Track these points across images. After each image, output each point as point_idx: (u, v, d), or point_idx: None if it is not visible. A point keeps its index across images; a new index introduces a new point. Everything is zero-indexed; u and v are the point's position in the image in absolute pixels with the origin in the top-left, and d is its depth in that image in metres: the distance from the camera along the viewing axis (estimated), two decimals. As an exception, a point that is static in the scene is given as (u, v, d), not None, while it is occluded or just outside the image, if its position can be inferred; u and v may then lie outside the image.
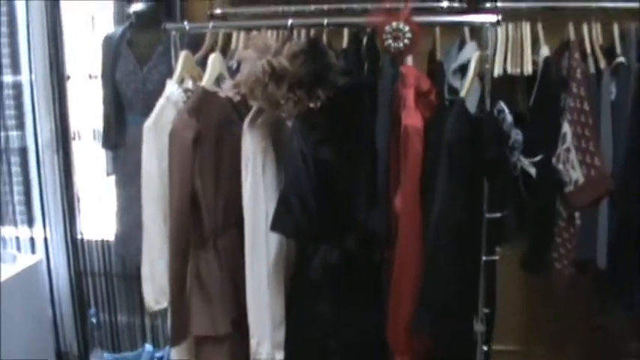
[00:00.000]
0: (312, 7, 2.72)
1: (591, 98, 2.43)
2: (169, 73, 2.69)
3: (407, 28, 1.93)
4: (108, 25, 3.18)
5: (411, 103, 1.88)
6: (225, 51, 2.68)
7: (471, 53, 2.48)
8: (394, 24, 1.93)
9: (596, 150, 2.42)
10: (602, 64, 2.46)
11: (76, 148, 3.36)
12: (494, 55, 2.55)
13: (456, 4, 2.60)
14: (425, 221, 1.91)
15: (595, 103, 2.44)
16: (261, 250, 2.05)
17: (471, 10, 2.56)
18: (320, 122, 1.95)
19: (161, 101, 2.20)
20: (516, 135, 2.04)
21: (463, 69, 2.50)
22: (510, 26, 2.58)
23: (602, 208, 2.47)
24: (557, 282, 2.60)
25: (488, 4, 2.58)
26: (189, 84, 2.26)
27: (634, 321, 2.60)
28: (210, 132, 2.09)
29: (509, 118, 2.01)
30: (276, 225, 1.98)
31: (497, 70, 2.50)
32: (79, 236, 3.39)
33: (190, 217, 2.07)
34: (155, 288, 2.22)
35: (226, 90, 2.07)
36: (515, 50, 2.56)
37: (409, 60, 2.04)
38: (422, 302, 1.91)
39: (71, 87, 3.29)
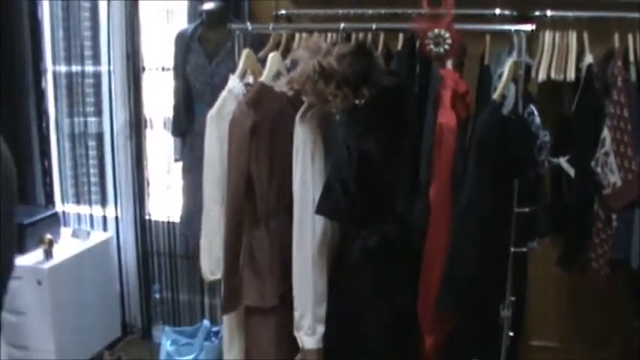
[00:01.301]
0: (370, 11, 2.91)
1: (631, 105, 2.54)
2: (235, 69, 2.95)
3: (447, 35, 2.09)
4: (182, 21, 3.42)
5: (447, 103, 2.04)
6: (287, 50, 2.90)
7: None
8: (435, 30, 2.09)
9: (633, 155, 2.52)
10: (644, 72, 2.57)
11: (148, 135, 3.62)
12: (539, 61, 2.70)
13: (506, 12, 2.74)
14: (455, 211, 2.07)
15: (634, 111, 2.55)
16: (308, 231, 2.24)
17: (520, 19, 2.70)
18: (364, 117, 2.12)
19: (224, 93, 2.41)
20: (544, 136, 2.16)
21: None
22: (557, 34, 2.72)
23: (638, 211, 2.58)
24: (595, 280, 2.71)
25: (537, 13, 2.72)
26: (250, 79, 2.47)
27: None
28: (267, 123, 2.29)
29: (537, 120, 2.15)
30: (320, 208, 2.17)
31: (542, 76, 2.63)
32: (147, 217, 3.65)
33: (245, 199, 2.28)
34: (211, 260, 2.45)
35: (281, 85, 2.27)
36: (561, 57, 2.69)
37: (449, 64, 2.20)
38: (445, 281, 2.08)
39: (146, 78, 3.55)
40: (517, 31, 2.18)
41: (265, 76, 2.35)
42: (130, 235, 3.68)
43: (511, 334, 2.23)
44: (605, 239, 2.65)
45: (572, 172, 2.59)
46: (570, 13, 2.70)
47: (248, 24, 2.55)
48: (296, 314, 2.30)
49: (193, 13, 3.39)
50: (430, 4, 2.18)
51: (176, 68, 3.17)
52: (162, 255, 3.66)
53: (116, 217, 3.67)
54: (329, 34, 2.79)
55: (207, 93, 3.04)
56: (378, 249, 2.20)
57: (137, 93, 3.54)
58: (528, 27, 2.14)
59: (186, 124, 3.18)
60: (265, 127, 2.29)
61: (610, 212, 2.62)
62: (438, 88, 2.22)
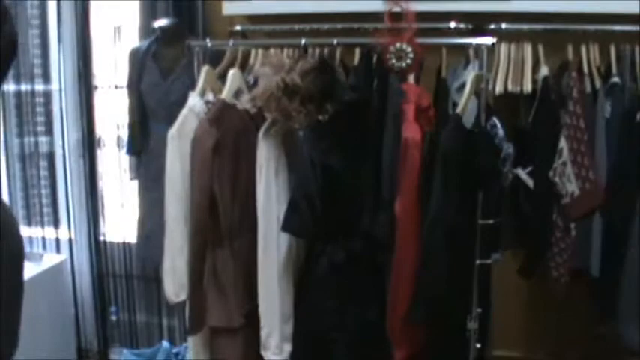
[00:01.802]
0: (326, 26, 2.91)
1: (587, 116, 2.59)
2: (191, 85, 2.91)
3: (409, 49, 2.09)
4: (133, 38, 3.37)
5: (411, 118, 2.05)
6: (243, 66, 2.88)
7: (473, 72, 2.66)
8: (398, 45, 2.10)
9: (590, 164, 2.56)
10: (598, 83, 2.61)
11: (101, 154, 3.54)
12: (496, 74, 2.73)
13: (462, 26, 2.77)
14: (422, 224, 2.07)
15: (590, 121, 2.60)
16: (273, 249, 2.21)
17: (476, 32, 2.74)
18: (327, 133, 2.11)
19: (184, 111, 2.38)
20: (508, 149, 2.19)
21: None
22: (513, 47, 2.76)
23: (596, 220, 2.62)
24: (555, 289, 2.74)
25: (492, 26, 2.76)
26: (210, 96, 2.44)
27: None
28: (229, 140, 2.27)
29: (501, 132, 2.17)
30: (286, 225, 2.14)
31: (499, 88, 2.67)
32: (101, 238, 3.57)
33: (209, 218, 2.24)
34: (175, 282, 2.40)
35: (244, 102, 2.25)
36: (517, 69, 2.73)
37: (411, 78, 2.20)
38: (417, 293, 2.07)
39: (98, 96, 3.49)
40: (478, 45, 2.19)
41: (226, 93, 2.32)
42: (84, 257, 3.59)
43: (478, 345, 2.24)
44: (564, 248, 2.69)
45: (530, 183, 2.62)
46: (525, 26, 2.75)
47: (207, 40, 2.51)
48: (263, 333, 2.27)
49: (145, 30, 3.35)
50: (390, 19, 2.18)
51: (130, 86, 3.12)
52: (119, 276, 3.58)
53: (69, 239, 3.58)
54: (286, 50, 2.82)
55: (162, 110, 3.00)
56: (344, 264, 2.19)
57: (89, 111, 3.46)
58: (489, 40, 2.16)
59: (142, 143, 3.12)
60: (228, 145, 2.26)
61: (569, 222, 2.66)
62: (397, 102, 2.22)
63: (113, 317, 3.53)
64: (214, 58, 2.83)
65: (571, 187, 2.60)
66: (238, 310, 2.32)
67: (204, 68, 2.45)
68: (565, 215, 2.65)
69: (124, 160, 3.38)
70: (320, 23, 2.93)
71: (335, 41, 2.30)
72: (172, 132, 2.34)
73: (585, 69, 2.66)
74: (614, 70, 2.64)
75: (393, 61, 2.11)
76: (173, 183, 2.32)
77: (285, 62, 2.15)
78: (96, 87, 3.47)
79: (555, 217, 2.68)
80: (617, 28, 2.69)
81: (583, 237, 2.63)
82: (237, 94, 2.38)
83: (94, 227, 3.54)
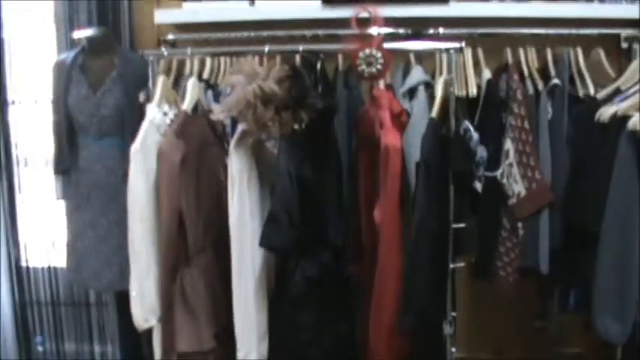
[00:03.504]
0: (265, 34, 2.85)
1: (531, 117, 2.65)
2: (123, 98, 2.77)
3: (379, 54, 2.07)
4: (50, 51, 3.18)
5: (389, 124, 2.02)
6: (179, 76, 2.78)
7: (418, 77, 2.66)
8: (367, 50, 2.07)
9: (536, 165, 2.63)
10: (540, 85, 2.69)
11: (24, 174, 3.32)
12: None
13: (401, 31, 2.77)
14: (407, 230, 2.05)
15: (534, 122, 2.67)
16: (247, 265, 2.13)
17: (414, 37, 2.75)
18: (300, 142, 2.05)
19: (145, 125, 2.25)
20: (482, 152, 2.20)
21: (411, 92, 2.67)
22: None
23: (544, 218, 2.68)
24: (503, 288, 2.79)
25: (431, 31, 2.78)
26: (165, 107, 2.32)
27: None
28: (193, 153, 2.16)
29: (475, 136, 2.18)
30: (266, 241, 2.06)
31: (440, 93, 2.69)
32: (23, 263, 3.34)
33: (178, 235, 2.13)
34: (144, 306, 2.25)
35: (217, 113, 2.15)
36: (460, 74, 2.76)
37: (381, 84, 2.18)
38: (404, 302, 2.04)
39: (16, 112, 3.26)
40: (447, 49, 2.19)
41: (187, 104, 2.21)
42: (3, 285, 3.33)
43: (453, 350, 2.23)
44: (511, 247, 2.73)
45: (479, 186, 2.65)
46: (465, 30, 2.79)
47: (163, 49, 2.39)
48: (240, 354, 2.17)
49: (62, 42, 3.17)
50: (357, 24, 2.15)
51: (56, 100, 2.92)
52: (44, 304, 3.35)
53: (-14, 267, 3.33)
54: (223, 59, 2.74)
55: (93, 125, 2.83)
56: (318, 279, 2.13)
57: (5, 129, 3.23)
58: (457, 45, 2.17)
59: (70, 160, 2.94)
60: (192, 157, 2.16)
61: (516, 221, 2.71)
62: (344, 108, 2.21)
63: (39, 348, 3.31)
64: (139, 68, 2.73)
65: (517, 187, 2.65)
66: (209, 332, 2.21)
67: (160, 78, 2.33)
68: (512, 215, 2.70)
69: (49, 179, 3.16)
70: (254, 31, 2.87)
71: (300, 48, 2.24)
72: (135, 146, 2.20)
73: (525, 71, 2.74)
74: (552, 72, 2.73)
75: (363, 67, 2.08)
76: (136, 201, 2.18)
77: (259, 70, 2.07)
78: (12, 102, 3.25)
79: (501, 217, 2.73)
80: (552, 31, 2.79)
81: (530, 236, 2.69)
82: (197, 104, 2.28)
83: (14, 252, 3.30)
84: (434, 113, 2.12)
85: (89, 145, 2.86)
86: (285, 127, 2.01)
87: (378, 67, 2.08)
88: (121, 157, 2.77)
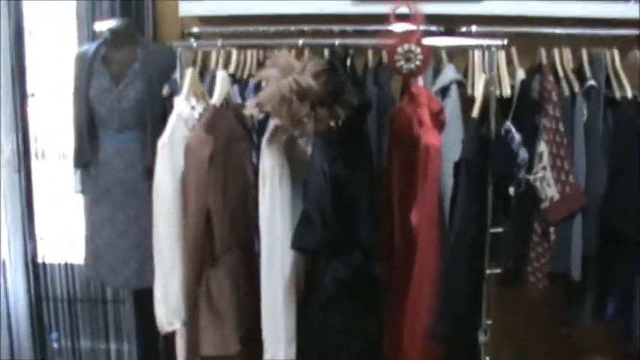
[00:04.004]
0: (292, 28, 2.77)
1: (565, 119, 2.57)
2: (145, 90, 2.71)
3: (418, 50, 1.99)
4: (71, 43, 3.12)
5: (429, 123, 1.95)
6: (205, 68, 2.72)
7: (451, 75, 2.60)
8: (406, 46, 1.99)
9: (570, 168, 2.55)
10: (576, 87, 2.60)
11: (40, 167, 3.26)
12: (472, 78, 2.67)
13: (433, 28, 2.69)
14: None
15: (568, 124, 2.59)
16: (277, 266, 2.06)
17: (447, 34, 2.67)
18: (335, 140, 1.98)
19: (172, 118, 2.18)
20: (524, 154, 2.13)
21: (443, 91, 2.60)
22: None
23: (577, 223, 2.60)
24: (531, 294, 2.71)
25: (463, 29, 2.70)
26: (193, 101, 2.25)
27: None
28: (221, 149, 2.09)
29: (517, 137, 2.10)
30: (299, 242, 1.99)
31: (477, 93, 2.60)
32: (39, 259, 3.28)
33: (205, 234, 2.06)
34: (169, 309, 2.17)
35: (250, 108, 2.08)
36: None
37: (420, 81, 2.11)
38: (441, 309, 1.97)
39: (35, 105, 3.20)
40: (489, 46, 2.12)
41: (217, 98, 2.14)
42: (19, 280, 3.27)
43: (487, 359, 2.16)
44: (542, 253, 2.66)
45: (511, 189, 2.58)
46: (497, 29, 2.71)
47: (192, 41, 2.32)
48: (267, 355, 2.09)
49: (85, 32, 3.10)
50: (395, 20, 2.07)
51: (77, 92, 2.85)
52: (60, 300, 3.29)
53: (2, 261, 3.26)
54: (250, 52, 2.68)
55: (114, 118, 2.77)
56: (349, 280, 2.05)
57: (24, 121, 3.17)
58: (499, 42, 2.09)
59: (90, 154, 2.87)
60: (220, 153, 2.09)
61: (548, 226, 2.63)
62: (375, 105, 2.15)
63: (54, 344, 3.24)
64: (162, 60, 2.68)
65: (551, 191, 2.58)
66: (234, 335, 2.14)
67: (189, 71, 2.26)
68: (544, 220, 2.62)
69: (68, 172, 3.10)
70: (284, 25, 2.80)
71: (337, 42, 2.16)
72: (163, 140, 2.13)
73: (560, 72, 2.66)
74: (588, 73, 2.65)
75: (402, 62, 2.00)
76: (162, 198, 2.11)
77: (295, 64, 1.99)
78: (32, 95, 3.19)
79: (533, 221, 2.66)
80: (588, 31, 2.71)
81: (563, 241, 2.62)
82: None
83: (30, 247, 3.24)
84: (475, 113, 2.04)
85: (109, 139, 2.80)
86: (321, 123, 1.94)
87: (417, 63, 2.00)
88: (141, 151, 2.73)
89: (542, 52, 2.68)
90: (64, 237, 3.29)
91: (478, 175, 1.93)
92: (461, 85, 2.63)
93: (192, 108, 2.21)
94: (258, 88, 2.31)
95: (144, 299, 2.65)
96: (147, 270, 2.56)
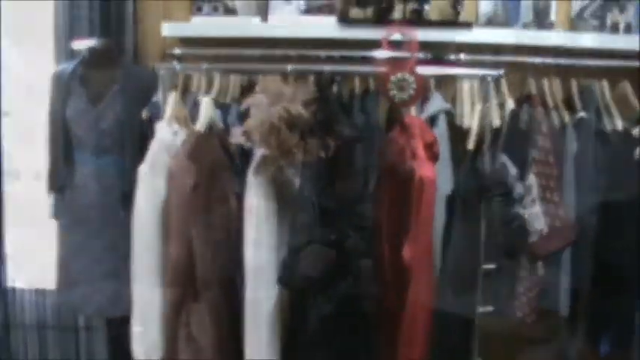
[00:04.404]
0: (278, 52, 2.70)
1: (556, 151, 2.52)
2: (124, 113, 2.62)
3: (412, 79, 1.93)
4: (48, 63, 3.02)
5: (423, 155, 1.88)
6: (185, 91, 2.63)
7: (439, 105, 2.53)
8: (399, 74, 1.93)
9: (560, 201, 2.50)
10: (567, 118, 2.56)
11: (13, 189, 3.14)
12: (462, 108, 2.62)
13: (421, 55, 2.64)
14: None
15: (559, 156, 2.54)
16: (263, 303, 1.97)
17: (435, 62, 2.62)
18: (326, 171, 1.91)
19: (154, 144, 2.10)
20: (520, 188, 2.07)
21: (431, 120, 2.54)
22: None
23: (566, 257, 2.55)
24: (520, 329, 2.65)
25: (452, 56, 2.65)
26: (175, 126, 2.17)
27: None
28: (204, 177, 2.01)
29: (512, 171, 2.04)
30: (284, 279, 1.91)
31: (468, 122, 2.54)
32: (8, 284, 3.16)
33: (187, 266, 1.97)
34: (147, 343, 2.08)
35: (236, 136, 2.00)
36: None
37: (412, 110, 2.04)
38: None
39: (6, 124, 3.10)
40: (484, 76, 2.06)
41: (201, 124, 2.06)
42: (-15, 307, 3.15)
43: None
44: (529, 287, 2.60)
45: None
46: (487, 57, 2.66)
47: (175, 63, 2.24)
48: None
49: (63, 52, 3.01)
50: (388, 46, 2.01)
51: (53, 113, 2.76)
52: (29, 327, 3.16)
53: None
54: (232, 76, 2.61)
55: (91, 140, 2.68)
56: (336, 316, 1.97)
57: (-4, 140, 3.07)
58: (495, 72, 2.04)
59: (66, 177, 2.77)
60: (203, 182, 2.00)
61: (536, 260, 2.58)
62: (375, 134, 2.07)
63: (22, 375, 3.12)
64: (139, 81, 2.60)
65: (539, 224, 2.52)
66: (215, 372, 2.04)
67: (173, 95, 2.18)
68: (532, 253, 2.57)
69: (42, 195, 2.99)
70: (269, 49, 2.73)
71: (325, 68, 2.10)
72: (144, 167, 2.04)
73: (550, 103, 2.62)
74: (577, 104, 2.61)
75: (394, 92, 1.94)
76: (143, 227, 2.02)
77: (285, 91, 1.92)
78: (6, 113, 3.08)
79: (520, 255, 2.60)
80: (577, 62, 2.67)
81: (551, 276, 2.56)
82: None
83: (-1, 271, 3.12)
84: (470, 145, 1.98)
85: (86, 162, 2.70)
86: (310, 154, 1.87)
87: (411, 92, 1.94)
88: (119, 176, 2.64)
89: (532, 81, 2.64)
90: (36, 261, 3.17)
91: (473, 210, 1.87)
92: (449, 115, 2.57)
93: (175, 134, 2.12)
94: (242, 113, 2.23)
95: (117, 327, 2.55)
96: (121, 298, 2.47)
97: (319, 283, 1.94)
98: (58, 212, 2.85)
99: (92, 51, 2.73)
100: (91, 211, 2.69)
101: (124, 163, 2.59)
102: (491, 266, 2.01)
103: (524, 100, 2.66)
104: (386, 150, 1.99)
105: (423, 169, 1.87)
